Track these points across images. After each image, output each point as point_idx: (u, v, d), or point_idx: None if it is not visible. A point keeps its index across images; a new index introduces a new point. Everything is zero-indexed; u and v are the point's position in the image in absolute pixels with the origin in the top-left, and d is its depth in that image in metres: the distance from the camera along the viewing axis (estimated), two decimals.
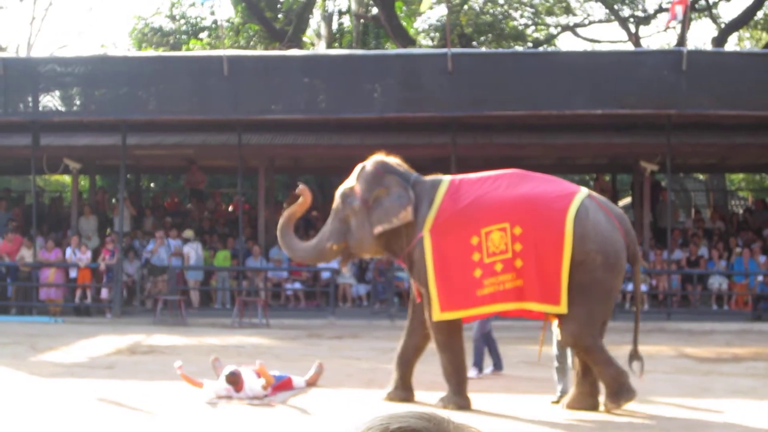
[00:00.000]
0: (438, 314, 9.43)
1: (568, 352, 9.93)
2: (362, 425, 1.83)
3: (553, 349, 10.34)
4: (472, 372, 11.21)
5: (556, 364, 10.29)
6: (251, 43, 33.48)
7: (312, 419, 9.34)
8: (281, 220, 10.49)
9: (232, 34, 32.97)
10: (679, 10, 17.90)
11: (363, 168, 10.08)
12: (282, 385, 10.55)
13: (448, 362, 9.64)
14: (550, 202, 9.38)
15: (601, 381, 9.45)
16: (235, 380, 10.04)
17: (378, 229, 9.78)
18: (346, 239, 10.08)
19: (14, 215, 22.29)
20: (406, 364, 10.05)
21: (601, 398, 9.65)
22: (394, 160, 10.11)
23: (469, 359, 11.02)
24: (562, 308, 9.20)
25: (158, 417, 9.27)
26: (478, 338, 11.91)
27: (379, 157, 10.13)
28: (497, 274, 9.26)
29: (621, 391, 9.30)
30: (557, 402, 10.00)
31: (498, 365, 12.12)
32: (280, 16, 33.46)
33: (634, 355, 9.83)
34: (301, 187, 10.28)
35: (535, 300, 9.27)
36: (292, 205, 10.57)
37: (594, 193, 9.86)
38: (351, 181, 10.13)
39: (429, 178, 10.02)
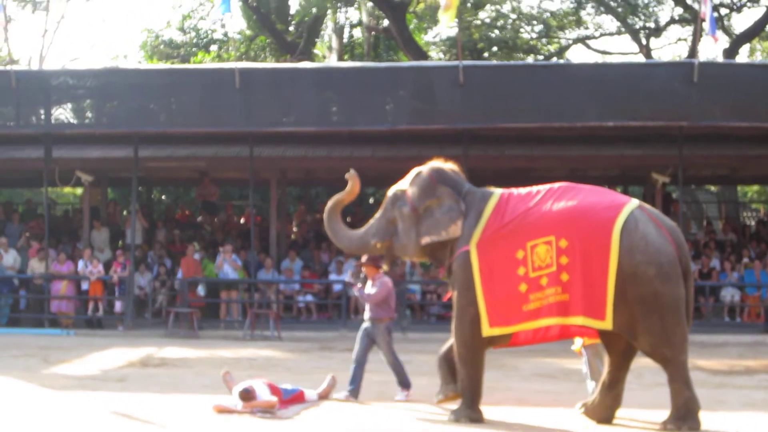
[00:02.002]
0: (487, 330, 9.32)
1: (604, 363, 9.72)
2: None
3: (583, 366, 10.33)
4: (342, 394, 10.96)
5: (585, 371, 10.27)
6: (262, 55, 33.56)
7: None
8: (328, 206, 10.56)
9: (243, 47, 33.05)
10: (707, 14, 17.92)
11: (418, 173, 10.04)
12: (294, 398, 10.55)
13: (466, 376, 9.59)
14: (597, 214, 9.12)
15: (671, 398, 9.10)
16: (248, 397, 10.02)
17: (425, 240, 9.78)
18: (391, 240, 10.11)
19: (29, 227, 22.34)
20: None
21: (619, 412, 9.60)
22: (450, 168, 10.04)
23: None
24: (607, 323, 8.90)
25: (170, 430, 9.26)
26: (361, 360, 11.08)
27: (436, 164, 10.07)
28: (543, 288, 9.07)
29: (687, 419, 8.97)
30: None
31: (354, 392, 11.01)
32: (291, 28, 33.52)
33: None
34: (351, 173, 10.29)
35: (580, 314, 8.96)
36: (339, 192, 10.55)
37: (645, 205, 9.56)
38: (404, 184, 10.13)
39: (480, 189, 9.93)
